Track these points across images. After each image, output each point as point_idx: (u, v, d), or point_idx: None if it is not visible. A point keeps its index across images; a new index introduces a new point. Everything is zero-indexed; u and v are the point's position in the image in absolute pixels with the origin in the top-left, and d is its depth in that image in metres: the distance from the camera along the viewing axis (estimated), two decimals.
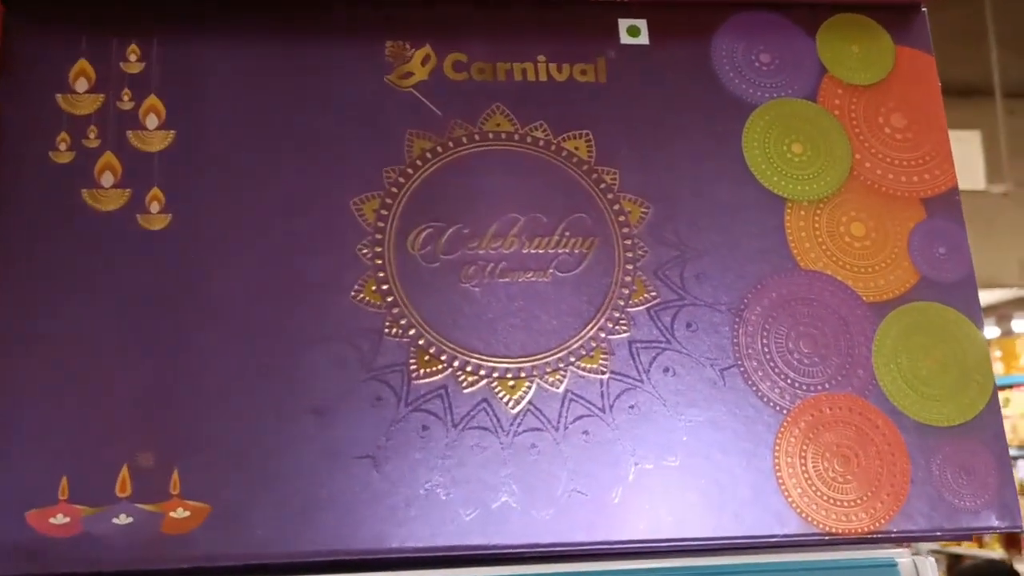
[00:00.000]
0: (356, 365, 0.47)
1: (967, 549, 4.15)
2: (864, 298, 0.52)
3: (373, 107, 0.52)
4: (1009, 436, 4.12)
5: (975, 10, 3.43)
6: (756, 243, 0.52)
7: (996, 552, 4.04)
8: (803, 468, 0.49)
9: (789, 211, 0.53)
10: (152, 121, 0.50)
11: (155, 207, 0.49)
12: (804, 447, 0.49)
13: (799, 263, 0.52)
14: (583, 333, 0.49)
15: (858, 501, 0.49)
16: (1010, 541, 4.03)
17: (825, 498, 0.49)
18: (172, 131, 0.50)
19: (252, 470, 0.45)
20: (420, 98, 0.52)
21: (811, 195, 0.54)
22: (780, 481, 0.48)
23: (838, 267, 0.53)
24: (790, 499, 0.48)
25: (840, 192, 0.54)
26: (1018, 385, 4.38)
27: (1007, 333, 5.37)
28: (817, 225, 0.53)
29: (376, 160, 0.51)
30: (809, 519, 0.48)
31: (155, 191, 0.49)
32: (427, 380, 0.48)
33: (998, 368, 4.63)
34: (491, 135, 0.52)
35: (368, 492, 0.45)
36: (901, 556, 0.49)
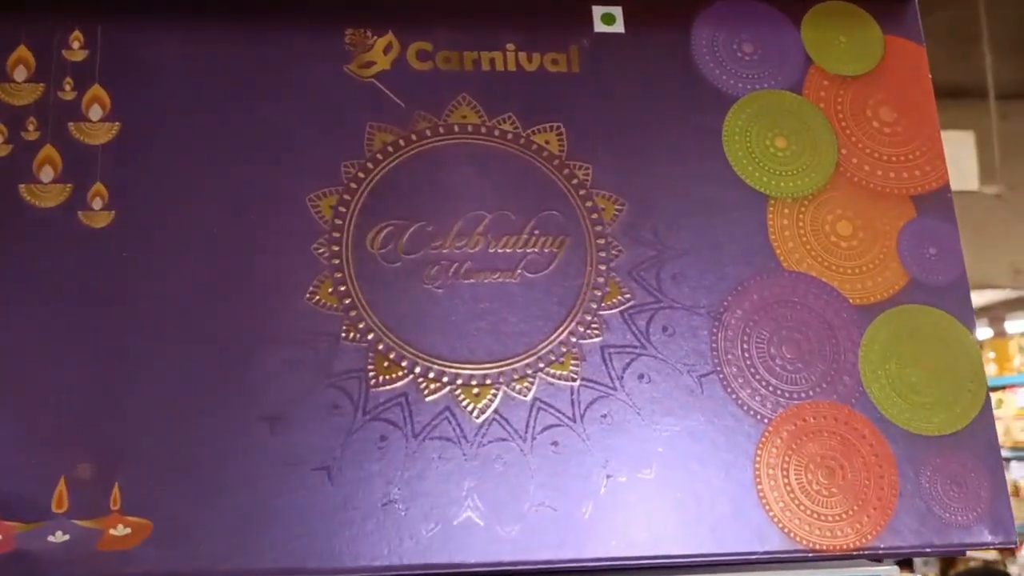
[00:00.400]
0: (311, 371, 0.45)
1: None
2: (851, 301, 0.50)
3: (332, 98, 0.49)
4: (1002, 438, 4.12)
5: (969, 12, 3.42)
6: (737, 243, 0.50)
7: (989, 554, 4.03)
8: (785, 481, 0.46)
9: (772, 209, 0.51)
10: (96, 112, 0.47)
11: (98, 203, 0.46)
12: (787, 458, 0.47)
13: (782, 264, 0.50)
14: (553, 337, 0.47)
15: (843, 515, 0.46)
16: None
17: (809, 512, 0.46)
18: (117, 123, 0.47)
19: (198, 482, 0.43)
20: (382, 89, 0.50)
21: (795, 192, 0.51)
22: (761, 494, 0.46)
23: (823, 268, 0.50)
24: (772, 514, 0.46)
25: (826, 189, 0.52)
26: (1011, 386, 4.37)
27: (1000, 334, 5.36)
28: (801, 224, 0.51)
29: (334, 154, 0.48)
30: (792, 535, 0.46)
31: (98, 186, 0.46)
32: (386, 387, 0.45)
33: (991, 369, 4.62)
34: (457, 128, 0.49)
35: (322, 506, 0.43)
36: (889, 573, 0.46)
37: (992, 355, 4.71)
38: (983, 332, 5.24)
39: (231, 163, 0.47)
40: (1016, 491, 4.14)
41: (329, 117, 0.49)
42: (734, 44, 0.53)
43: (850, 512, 0.46)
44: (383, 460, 0.44)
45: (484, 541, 0.43)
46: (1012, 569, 3.95)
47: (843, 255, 0.51)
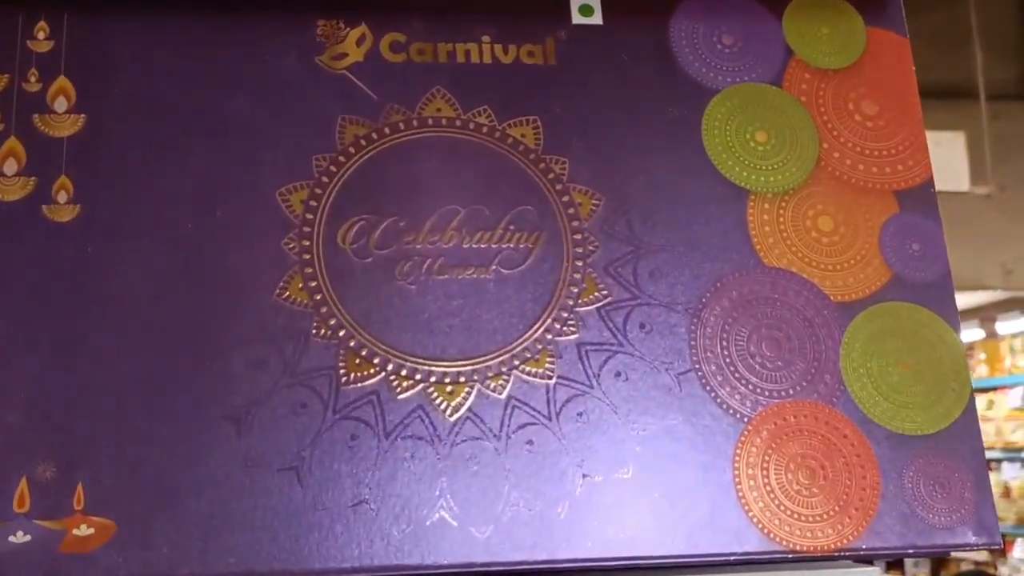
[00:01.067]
0: (278, 369, 0.44)
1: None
2: (832, 298, 0.49)
3: (303, 90, 0.48)
4: (993, 438, 4.12)
5: (960, 13, 3.42)
6: (716, 238, 0.49)
7: (979, 555, 4.03)
8: (765, 481, 0.45)
9: (752, 204, 0.50)
10: (61, 104, 0.46)
11: (63, 197, 0.45)
12: (766, 458, 0.46)
13: (762, 260, 0.49)
14: (528, 334, 0.46)
15: (824, 516, 0.45)
16: None
17: (789, 513, 0.45)
18: (82, 115, 0.46)
19: (163, 483, 0.42)
20: (354, 81, 0.49)
21: (775, 187, 0.50)
22: (740, 495, 0.45)
23: (804, 264, 0.49)
24: (751, 514, 0.45)
25: (807, 184, 0.51)
26: (1003, 387, 4.37)
27: (991, 335, 5.36)
28: (782, 219, 0.50)
29: (305, 147, 0.47)
30: (771, 535, 0.45)
31: (63, 180, 0.45)
32: (357, 385, 0.44)
33: (983, 371, 4.61)
34: (431, 121, 0.48)
35: (289, 507, 0.42)
36: (870, 575, 0.46)
37: (983, 356, 4.71)
38: (975, 333, 5.24)
39: (199, 156, 0.46)
40: (1007, 492, 4.14)
41: (300, 110, 0.48)
42: (714, 36, 0.52)
43: (831, 513, 0.46)
44: (353, 460, 0.43)
45: (457, 542, 0.42)
46: (1003, 570, 3.95)
47: (824, 251, 0.50)
